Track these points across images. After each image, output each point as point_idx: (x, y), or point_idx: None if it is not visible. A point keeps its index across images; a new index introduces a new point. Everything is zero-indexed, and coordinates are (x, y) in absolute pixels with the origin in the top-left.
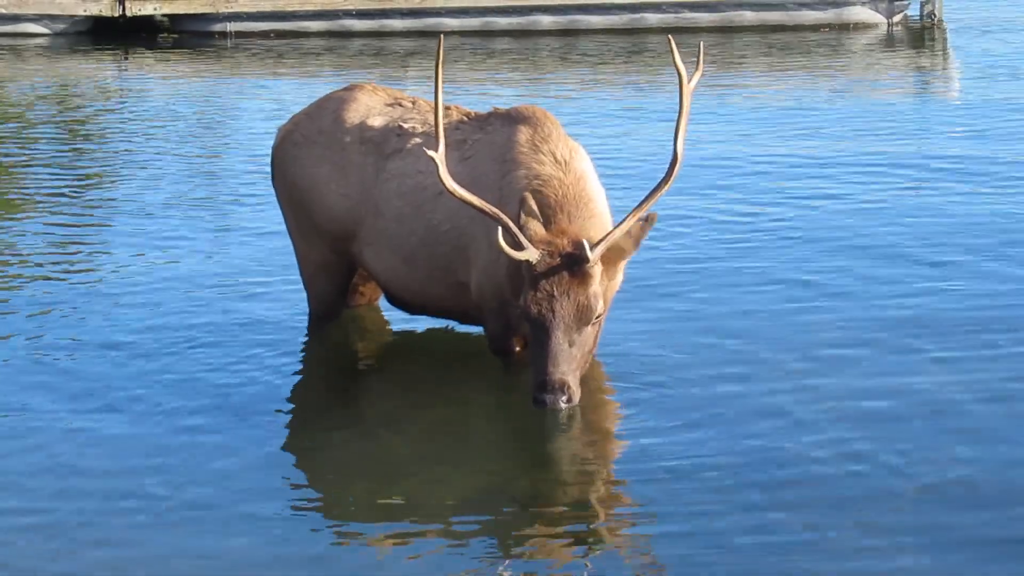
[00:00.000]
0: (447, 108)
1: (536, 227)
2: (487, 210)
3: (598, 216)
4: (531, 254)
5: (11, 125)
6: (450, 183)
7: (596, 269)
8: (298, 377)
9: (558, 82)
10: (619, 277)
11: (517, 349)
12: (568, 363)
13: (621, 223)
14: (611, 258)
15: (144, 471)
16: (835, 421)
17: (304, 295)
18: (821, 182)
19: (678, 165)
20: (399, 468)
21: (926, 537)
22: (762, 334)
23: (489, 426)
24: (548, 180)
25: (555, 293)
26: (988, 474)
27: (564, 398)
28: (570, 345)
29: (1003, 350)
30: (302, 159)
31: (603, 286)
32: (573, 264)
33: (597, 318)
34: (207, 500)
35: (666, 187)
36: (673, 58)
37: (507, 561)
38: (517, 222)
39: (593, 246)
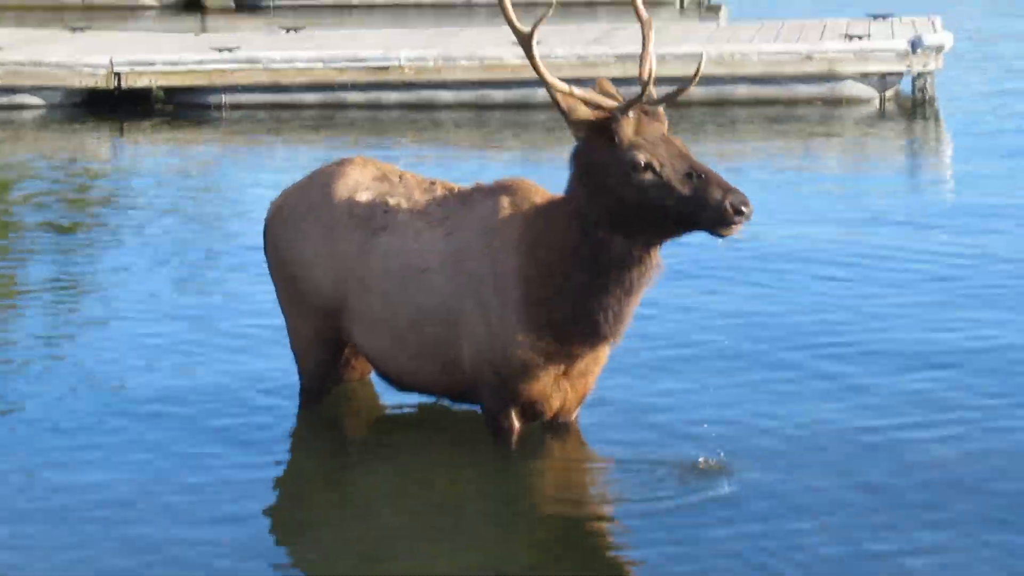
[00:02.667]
0: (432, 183)
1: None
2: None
3: None
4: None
5: (4, 195)
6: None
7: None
8: (288, 453)
9: (552, 154)
10: None
11: (516, 425)
12: None
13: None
14: None
15: (127, 543)
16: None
17: (295, 368)
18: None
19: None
20: (392, 546)
21: None
22: (744, 421)
23: (483, 503)
24: (530, 217)
25: (660, 140)
26: None
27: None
28: None
29: None
30: (291, 233)
31: None
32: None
33: None
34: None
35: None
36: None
37: None
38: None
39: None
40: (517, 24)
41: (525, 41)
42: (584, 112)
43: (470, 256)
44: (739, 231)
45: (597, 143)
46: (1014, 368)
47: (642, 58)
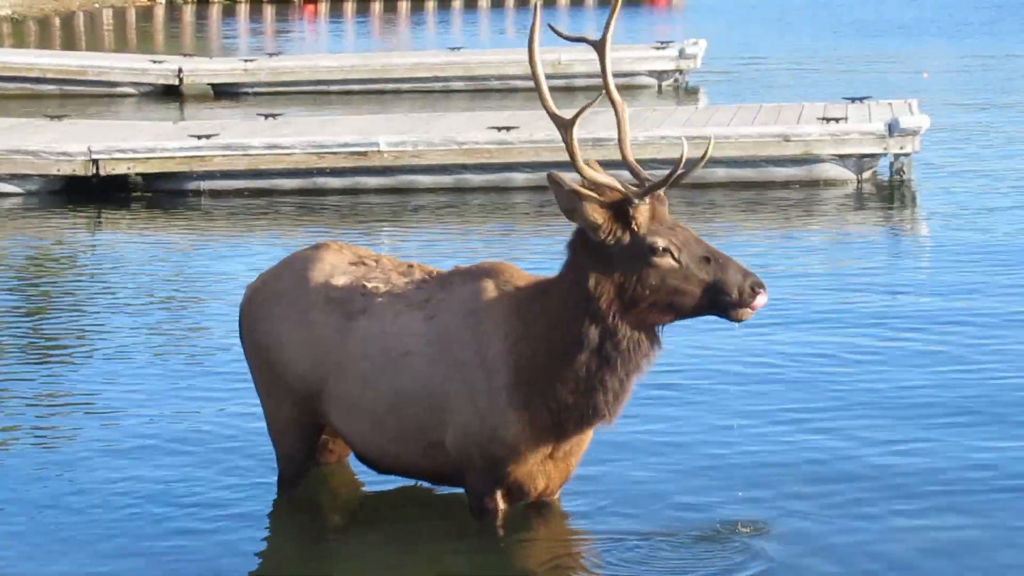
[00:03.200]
0: (409, 266)
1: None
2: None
3: None
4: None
5: None
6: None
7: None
8: (265, 538)
9: (530, 237)
10: None
11: (501, 506)
12: None
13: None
14: None
15: None
16: None
17: (273, 453)
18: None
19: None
20: None
21: None
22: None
23: None
24: (520, 300)
25: (673, 224)
26: None
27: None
28: None
29: None
30: (267, 318)
31: None
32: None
33: None
34: None
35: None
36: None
37: None
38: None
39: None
40: (556, 111)
41: (566, 128)
42: (598, 197)
43: (454, 340)
44: (753, 314)
45: (612, 227)
46: None
47: (620, 142)
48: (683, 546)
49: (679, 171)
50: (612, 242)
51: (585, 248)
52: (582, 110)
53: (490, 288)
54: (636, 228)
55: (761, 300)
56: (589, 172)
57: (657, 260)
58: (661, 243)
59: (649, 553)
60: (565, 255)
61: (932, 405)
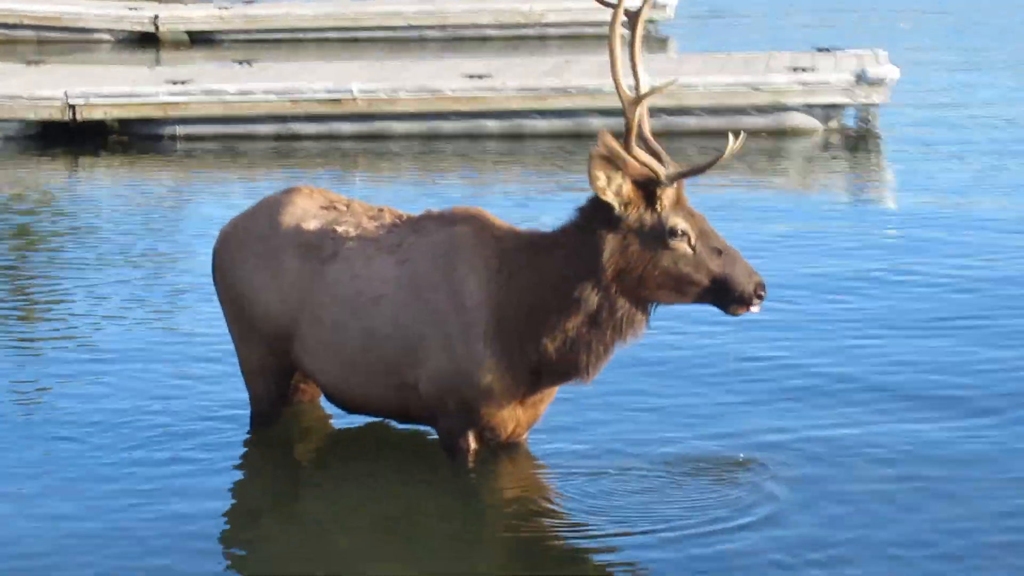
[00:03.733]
0: (379, 210)
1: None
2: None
3: None
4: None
5: None
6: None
7: None
8: (239, 475)
9: (500, 184)
10: None
11: (473, 446)
12: None
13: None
14: None
15: (82, 564)
16: None
17: (245, 394)
18: None
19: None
20: (344, 566)
21: None
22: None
23: (434, 523)
24: (504, 251)
25: (692, 211)
26: None
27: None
28: None
29: None
30: (239, 262)
31: None
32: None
33: None
34: None
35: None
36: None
37: None
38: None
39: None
40: (624, 89)
41: (632, 104)
42: (629, 171)
43: (428, 284)
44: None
45: (638, 204)
46: None
47: (627, 140)
48: (650, 487)
49: (715, 161)
50: (635, 218)
51: (600, 217)
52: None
53: (465, 233)
54: (660, 209)
55: (759, 305)
56: (638, 152)
57: (674, 243)
58: (681, 227)
59: (615, 487)
60: (573, 217)
61: (925, 323)
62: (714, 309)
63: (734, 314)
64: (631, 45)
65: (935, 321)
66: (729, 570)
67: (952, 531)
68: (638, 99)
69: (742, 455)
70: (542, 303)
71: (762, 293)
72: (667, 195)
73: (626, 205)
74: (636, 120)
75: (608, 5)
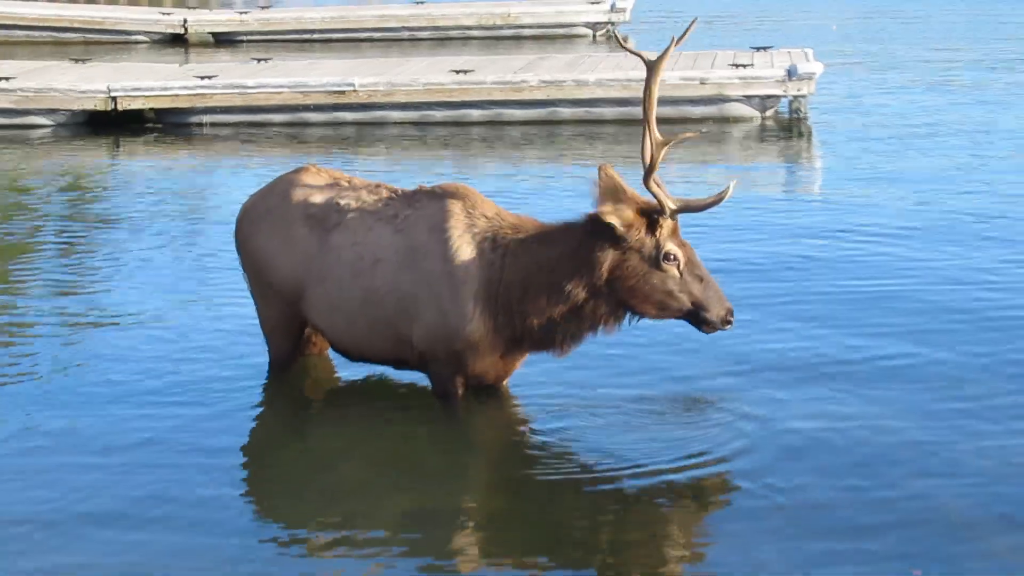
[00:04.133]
0: (377, 186)
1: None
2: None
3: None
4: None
5: (19, 201)
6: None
7: None
8: (258, 412)
9: (482, 164)
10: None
11: (460, 391)
12: None
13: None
14: None
15: (107, 488)
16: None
17: (265, 346)
18: None
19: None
20: (347, 492)
21: None
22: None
23: (427, 456)
24: (497, 230)
25: (683, 242)
26: None
27: None
28: None
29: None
30: (256, 232)
31: None
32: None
33: None
34: (168, 509)
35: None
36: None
37: (443, 565)
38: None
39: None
40: (657, 133)
41: (658, 146)
42: (631, 200)
43: (421, 250)
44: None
45: (640, 230)
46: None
47: (648, 173)
48: (625, 426)
49: (716, 202)
50: (636, 239)
51: (606, 231)
52: (678, 139)
53: (456, 208)
54: (659, 235)
55: (728, 328)
56: (654, 187)
57: (666, 266)
58: (674, 253)
59: (590, 424)
60: (581, 220)
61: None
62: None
63: (706, 333)
64: (646, 95)
65: (856, 284)
66: (703, 492)
67: (899, 460)
68: (664, 142)
69: (710, 397)
70: (534, 286)
71: (731, 319)
72: (667, 224)
73: (628, 227)
74: (659, 159)
75: (645, 62)
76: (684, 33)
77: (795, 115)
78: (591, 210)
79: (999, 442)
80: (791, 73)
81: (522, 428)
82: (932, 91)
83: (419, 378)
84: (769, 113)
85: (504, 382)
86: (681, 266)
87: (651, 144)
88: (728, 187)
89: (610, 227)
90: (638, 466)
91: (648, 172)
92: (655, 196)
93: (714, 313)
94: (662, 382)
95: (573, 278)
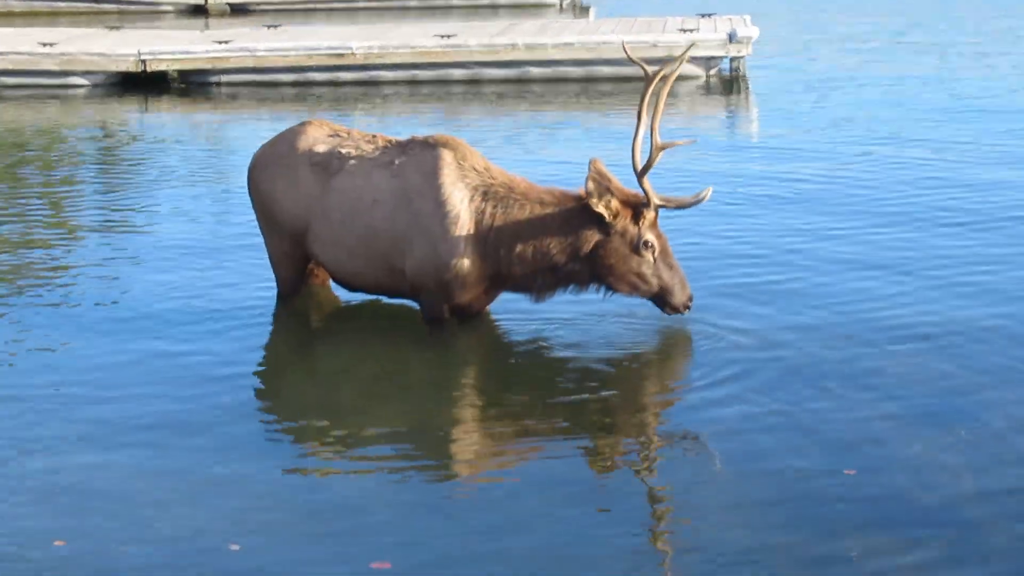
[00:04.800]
0: (373, 136)
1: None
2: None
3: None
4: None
5: (61, 148)
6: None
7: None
8: (266, 338)
9: (466, 116)
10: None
11: (447, 316)
12: None
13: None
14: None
15: (128, 404)
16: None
17: (273, 276)
18: None
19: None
20: (349, 407)
21: None
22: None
23: (419, 374)
24: (489, 185)
25: (660, 233)
26: None
27: None
28: None
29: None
30: (266, 177)
31: None
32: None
33: None
34: (185, 422)
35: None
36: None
37: (436, 472)
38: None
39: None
40: (638, 163)
41: (658, 149)
42: (618, 192)
43: (415, 193)
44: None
45: (625, 218)
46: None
47: (644, 170)
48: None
49: (697, 202)
50: (621, 226)
51: (597, 214)
52: (674, 143)
53: (447, 156)
54: (641, 224)
55: (686, 312)
56: (646, 181)
57: (643, 252)
58: (652, 242)
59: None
60: (577, 195)
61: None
62: None
63: (667, 314)
64: (652, 102)
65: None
66: (695, 409)
67: (890, 397)
68: (664, 146)
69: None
70: (522, 240)
71: (690, 305)
72: (649, 216)
73: (615, 216)
74: (656, 160)
75: (646, 73)
76: (683, 54)
77: (735, 73)
78: (583, 188)
79: (993, 396)
80: (731, 37)
81: (503, 345)
82: (854, 51)
83: (410, 305)
84: (712, 72)
85: (487, 309)
86: (656, 253)
87: (652, 147)
88: (706, 191)
89: (600, 215)
90: (614, 373)
91: (644, 170)
92: (645, 191)
93: (677, 299)
94: (646, 303)
95: (559, 244)
